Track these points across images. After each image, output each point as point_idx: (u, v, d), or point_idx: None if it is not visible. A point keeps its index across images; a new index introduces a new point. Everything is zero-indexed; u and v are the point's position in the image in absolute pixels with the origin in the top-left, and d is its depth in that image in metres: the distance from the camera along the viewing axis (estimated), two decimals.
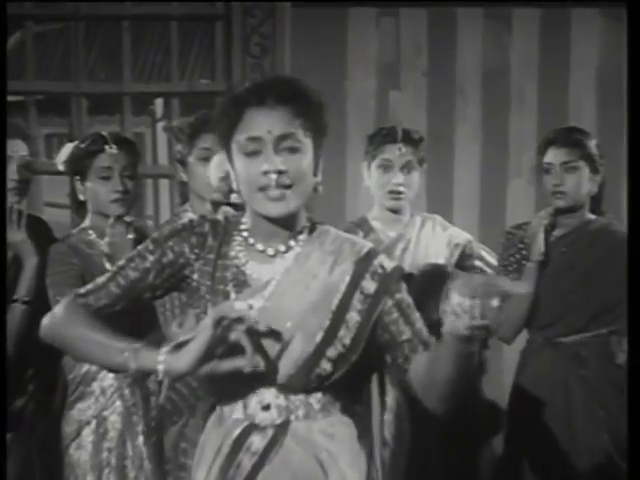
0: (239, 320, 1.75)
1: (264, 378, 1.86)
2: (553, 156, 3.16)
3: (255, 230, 1.92)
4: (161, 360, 1.78)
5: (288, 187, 1.83)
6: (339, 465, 1.89)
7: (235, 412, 1.91)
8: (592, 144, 3.18)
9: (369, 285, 1.89)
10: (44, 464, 2.92)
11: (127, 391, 2.86)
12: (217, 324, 1.74)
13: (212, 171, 2.84)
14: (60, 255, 2.83)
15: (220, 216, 2.00)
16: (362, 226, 3.30)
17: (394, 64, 4.34)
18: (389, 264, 1.92)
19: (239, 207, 2.27)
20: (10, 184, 2.85)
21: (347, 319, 1.88)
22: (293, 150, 1.84)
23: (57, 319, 1.92)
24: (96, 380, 2.85)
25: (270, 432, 1.89)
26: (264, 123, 1.83)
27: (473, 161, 4.34)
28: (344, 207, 4.23)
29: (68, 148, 2.96)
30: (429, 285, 2.89)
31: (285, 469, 1.88)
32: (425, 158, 3.31)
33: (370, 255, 1.92)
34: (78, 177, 2.92)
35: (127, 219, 2.97)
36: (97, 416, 2.85)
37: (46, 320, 1.94)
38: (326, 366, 1.86)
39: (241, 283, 1.90)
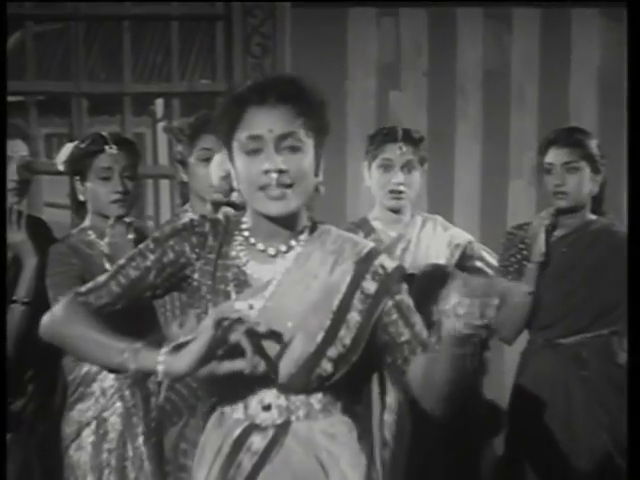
0: (240, 321, 1.75)
1: (265, 379, 1.85)
2: (554, 156, 3.16)
3: (256, 230, 1.92)
4: (161, 361, 1.77)
5: (289, 186, 1.83)
6: (340, 465, 1.89)
7: (236, 412, 1.91)
8: (593, 144, 3.18)
9: (370, 285, 1.89)
10: (44, 465, 2.92)
11: (127, 392, 2.86)
12: (218, 325, 1.74)
13: (213, 170, 2.83)
14: (60, 256, 2.82)
15: (221, 216, 1.99)
16: (363, 226, 3.29)
17: (394, 64, 4.33)
18: (390, 264, 1.92)
19: (239, 207, 2.26)
20: (10, 184, 2.84)
21: (348, 319, 1.87)
22: (294, 149, 1.83)
23: (57, 317, 1.91)
24: (96, 381, 2.84)
25: (271, 432, 1.88)
26: (265, 122, 1.82)
27: (474, 161, 4.33)
28: (345, 207, 4.23)
29: (68, 148, 2.96)
30: (430, 285, 2.88)
31: (286, 469, 1.87)
32: (426, 158, 3.31)
33: (371, 255, 1.92)
34: (78, 177, 2.91)
35: (127, 219, 2.96)
36: (97, 417, 2.84)
37: (46, 318, 1.94)
38: (327, 366, 1.86)
39: (242, 283, 1.89)
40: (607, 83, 4.30)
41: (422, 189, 3.45)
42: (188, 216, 2.82)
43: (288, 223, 1.89)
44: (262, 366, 1.83)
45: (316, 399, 1.89)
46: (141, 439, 2.86)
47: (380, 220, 3.32)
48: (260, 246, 1.91)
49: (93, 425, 2.84)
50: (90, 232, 2.92)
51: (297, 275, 1.89)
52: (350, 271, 1.89)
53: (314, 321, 1.86)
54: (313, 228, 1.94)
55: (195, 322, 1.93)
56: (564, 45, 4.32)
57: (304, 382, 1.86)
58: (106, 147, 2.88)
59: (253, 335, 1.77)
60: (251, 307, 1.86)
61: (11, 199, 2.85)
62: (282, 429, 1.88)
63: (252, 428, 1.89)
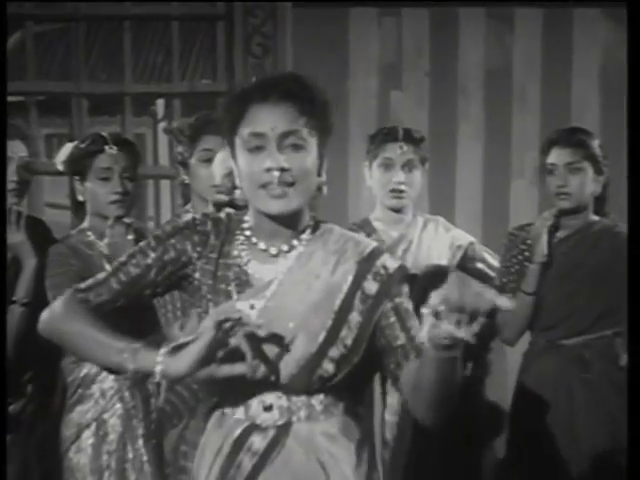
0: (241, 323, 1.74)
1: (265, 382, 1.84)
2: (557, 157, 3.15)
3: (258, 229, 1.91)
4: (159, 361, 1.76)
5: (290, 185, 1.82)
6: (340, 467, 1.88)
7: (236, 412, 1.90)
8: (595, 144, 3.17)
9: (371, 286, 1.88)
10: (43, 468, 2.91)
11: (127, 394, 2.85)
12: (219, 327, 1.73)
13: (216, 167, 2.82)
14: (59, 256, 2.81)
15: (223, 214, 1.98)
16: (364, 227, 3.29)
17: (396, 64, 4.33)
18: (392, 264, 1.90)
19: (241, 208, 2.25)
20: (10, 185, 2.84)
21: (349, 319, 1.86)
22: (297, 148, 1.82)
23: (56, 314, 1.91)
24: (96, 383, 2.83)
25: (271, 433, 1.87)
26: (268, 119, 1.81)
27: (475, 161, 4.32)
28: (346, 208, 4.22)
29: (68, 148, 2.95)
30: (431, 287, 2.87)
31: (286, 470, 1.86)
32: (427, 158, 3.30)
33: (373, 255, 1.90)
34: (77, 177, 2.90)
35: (127, 220, 2.95)
36: (97, 419, 2.83)
37: (45, 315, 1.93)
38: (328, 367, 1.85)
39: (243, 283, 1.88)
40: (609, 83, 4.29)
41: (423, 189, 3.44)
42: (190, 215, 2.81)
43: (290, 222, 1.88)
44: (262, 370, 1.82)
45: (317, 400, 1.88)
46: (141, 441, 2.85)
47: (381, 220, 3.31)
48: (262, 245, 1.90)
49: (93, 427, 2.83)
50: (89, 233, 2.91)
51: (299, 275, 1.88)
52: (352, 271, 1.88)
53: (316, 321, 1.85)
54: (315, 227, 1.93)
55: (197, 323, 1.91)
56: (566, 45, 4.32)
57: (305, 383, 1.85)
58: (106, 147, 2.88)
59: (254, 339, 1.75)
60: (252, 307, 1.85)
61: (10, 200, 2.84)
62: (283, 430, 1.87)
63: (253, 428, 1.88)
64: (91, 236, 2.90)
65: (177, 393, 2.81)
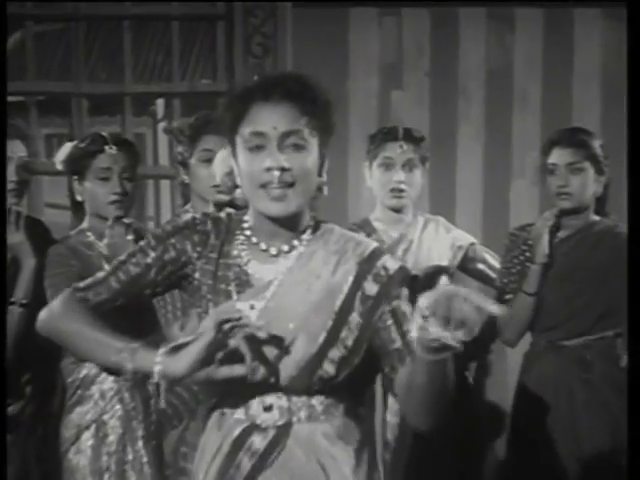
0: (241, 325, 1.73)
1: (265, 384, 1.83)
2: (558, 157, 3.14)
3: (258, 229, 1.90)
4: (158, 361, 1.76)
5: (290, 185, 1.81)
6: (341, 468, 1.87)
7: (236, 412, 1.89)
8: (597, 145, 3.17)
9: (371, 287, 1.87)
10: (42, 469, 2.91)
11: (127, 395, 2.85)
12: (219, 327, 1.72)
13: (217, 166, 2.81)
14: (59, 257, 2.81)
15: (223, 214, 1.97)
16: (364, 227, 3.28)
17: (396, 64, 4.32)
18: (393, 265, 1.89)
19: (241, 208, 2.24)
20: (9, 185, 2.83)
21: (349, 320, 1.86)
22: (298, 147, 1.82)
23: (54, 313, 1.91)
24: (95, 384, 2.83)
25: (271, 433, 1.87)
26: (269, 118, 1.81)
27: (476, 162, 4.32)
28: (346, 208, 4.21)
29: (67, 147, 2.95)
30: (431, 287, 2.86)
31: (286, 471, 1.86)
32: (427, 157, 3.30)
33: (374, 255, 1.90)
34: (76, 177, 2.90)
35: (126, 220, 2.95)
36: (96, 420, 2.83)
37: (43, 313, 1.93)
38: (328, 368, 1.84)
39: (243, 283, 1.88)
40: (610, 83, 4.29)
41: (424, 189, 3.43)
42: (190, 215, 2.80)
43: (290, 223, 1.88)
44: (261, 372, 1.81)
45: (318, 401, 1.88)
46: (141, 442, 2.85)
47: (382, 221, 3.30)
48: (262, 245, 1.89)
49: (92, 428, 2.83)
50: (89, 233, 2.90)
51: (299, 275, 1.87)
52: (352, 271, 1.87)
53: (316, 322, 1.84)
54: (316, 227, 1.93)
55: (197, 323, 1.91)
56: (567, 45, 4.31)
57: (306, 384, 1.85)
58: (106, 147, 2.87)
59: (253, 340, 1.74)
60: (252, 307, 1.84)
61: (10, 200, 2.84)
62: (283, 430, 1.87)
63: (252, 428, 1.87)
64: (90, 236, 2.90)
65: (177, 395, 2.80)
